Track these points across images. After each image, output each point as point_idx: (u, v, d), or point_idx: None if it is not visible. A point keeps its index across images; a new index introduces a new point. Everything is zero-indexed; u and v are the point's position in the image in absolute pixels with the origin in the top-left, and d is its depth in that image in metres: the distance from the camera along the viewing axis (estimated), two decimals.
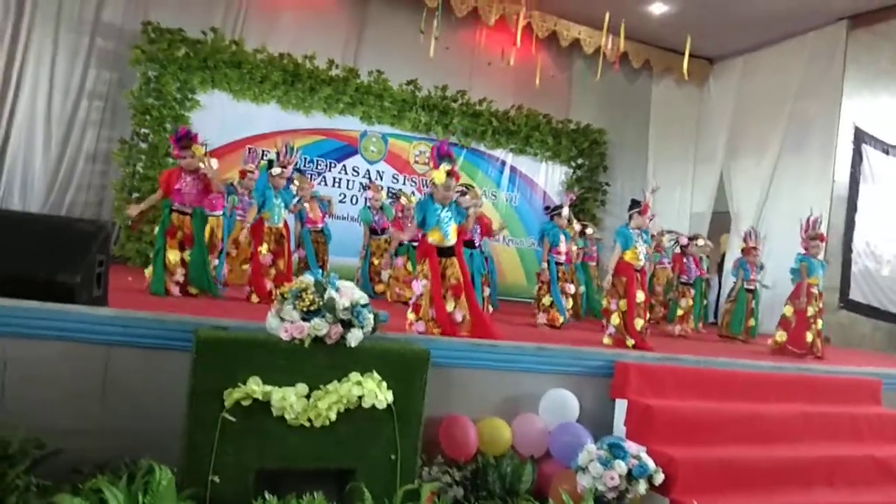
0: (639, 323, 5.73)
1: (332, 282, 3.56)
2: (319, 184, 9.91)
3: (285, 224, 6.19)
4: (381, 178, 10.62)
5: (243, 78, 9.57)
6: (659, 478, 4.00)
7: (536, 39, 10.93)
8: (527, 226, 11.56)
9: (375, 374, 3.55)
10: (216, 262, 6.57)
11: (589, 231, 9.94)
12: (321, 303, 3.44)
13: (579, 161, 11.99)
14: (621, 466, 3.91)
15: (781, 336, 6.93)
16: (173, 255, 5.56)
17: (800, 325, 6.84)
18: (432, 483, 3.75)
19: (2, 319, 3.38)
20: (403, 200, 8.15)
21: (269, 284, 5.84)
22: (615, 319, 5.79)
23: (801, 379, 5.42)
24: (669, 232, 8.89)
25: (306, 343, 3.44)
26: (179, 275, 5.60)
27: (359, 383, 3.49)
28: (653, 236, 7.86)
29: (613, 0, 8.83)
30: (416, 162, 10.88)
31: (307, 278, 3.56)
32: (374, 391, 3.50)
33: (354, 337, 3.51)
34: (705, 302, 9.19)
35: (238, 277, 6.52)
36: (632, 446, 4.08)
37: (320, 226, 7.61)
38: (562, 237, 7.15)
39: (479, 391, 4.41)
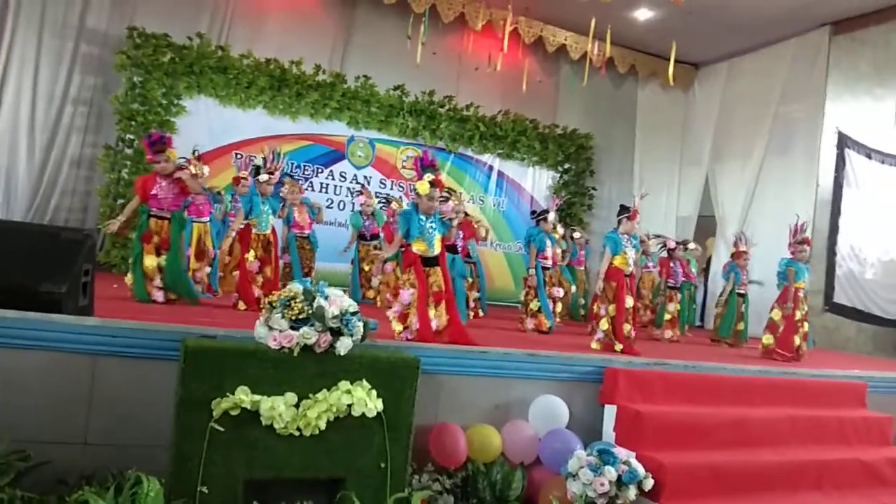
0: (626, 328, 5.76)
1: (322, 290, 3.55)
2: (307, 189, 9.86)
3: (273, 231, 6.16)
4: (369, 184, 10.59)
5: (229, 83, 9.53)
6: (648, 483, 4.02)
7: (523, 45, 10.98)
8: (514, 230, 11.58)
9: (365, 383, 3.54)
10: (208, 269, 6.52)
11: (577, 235, 9.98)
12: (310, 311, 3.43)
13: (566, 166, 12.03)
14: (611, 472, 3.92)
15: (769, 339, 6.98)
16: (150, 261, 5.49)
17: (788, 329, 6.89)
18: (422, 491, 3.74)
19: None
20: (394, 206, 8.13)
21: (256, 291, 5.80)
22: (604, 324, 5.81)
23: (787, 383, 5.45)
24: (657, 236, 8.93)
25: (295, 352, 3.42)
26: (159, 280, 5.55)
27: (348, 392, 3.48)
28: (642, 241, 7.91)
29: (599, 6, 8.86)
30: (404, 167, 10.88)
31: (296, 286, 3.54)
32: (364, 399, 3.49)
33: (344, 345, 3.50)
34: (694, 306, 9.23)
35: (229, 284, 6.47)
36: (621, 452, 4.09)
37: (307, 232, 7.56)
38: (548, 242, 7.16)
39: (468, 398, 4.40)
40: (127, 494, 3.08)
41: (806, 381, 5.61)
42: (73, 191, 9.07)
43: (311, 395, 3.44)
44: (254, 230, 5.96)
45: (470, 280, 7.86)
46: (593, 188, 12.17)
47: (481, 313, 8.01)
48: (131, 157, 8.97)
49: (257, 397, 3.33)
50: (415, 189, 5.08)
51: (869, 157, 10.48)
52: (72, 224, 8.86)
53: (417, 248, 4.95)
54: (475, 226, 7.82)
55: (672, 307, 8.10)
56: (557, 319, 7.46)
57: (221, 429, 3.27)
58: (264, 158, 6.24)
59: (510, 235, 11.54)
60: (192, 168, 6.50)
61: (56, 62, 8.95)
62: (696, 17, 10.17)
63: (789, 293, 6.97)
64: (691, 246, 8.76)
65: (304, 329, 3.41)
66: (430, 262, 4.98)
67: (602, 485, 3.88)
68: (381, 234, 8.12)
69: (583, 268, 9.86)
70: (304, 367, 3.46)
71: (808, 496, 4.54)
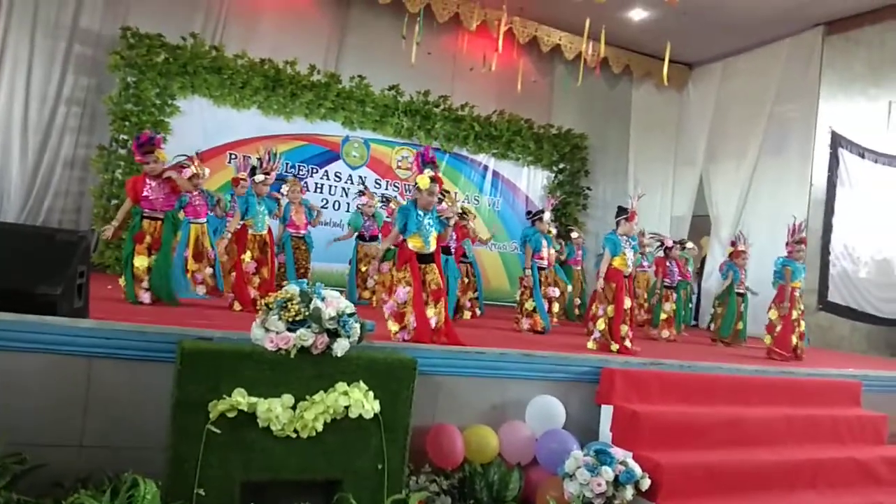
0: (624, 329, 5.78)
1: (318, 291, 3.55)
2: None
3: (269, 231, 6.14)
4: (364, 184, 10.58)
5: (224, 83, 9.50)
6: (645, 483, 4.02)
7: (518, 45, 10.99)
8: (509, 230, 11.59)
9: (362, 384, 3.54)
10: (209, 269, 6.51)
11: (574, 235, 10.02)
12: (307, 313, 3.43)
13: (561, 165, 12.04)
14: (608, 473, 3.92)
15: (768, 340, 7.02)
16: (140, 261, 5.46)
17: (785, 329, 6.92)
18: (420, 493, 3.74)
19: None
20: (393, 205, 8.12)
21: (252, 293, 5.78)
22: (601, 324, 5.82)
23: (783, 382, 5.47)
24: (653, 234, 8.93)
25: (292, 353, 3.42)
26: (147, 281, 5.52)
27: (345, 393, 3.48)
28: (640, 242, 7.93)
29: (593, 6, 8.87)
30: (399, 167, 10.86)
31: (292, 288, 3.53)
32: (361, 401, 3.49)
33: (341, 347, 3.49)
34: (690, 305, 9.25)
35: (226, 285, 6.45)
36: (618, 452, 4.09)
37: (303, 232, 7.53)
38: (544, 242, 7.17)
39: (465, 399, 4.40)
40: (123, 497, 3.07)
41: (801, 380, 5.63)
42: (67, 192, 9.03)
43: (308, 397, 3.44)
44: (250, 231, 5.95)
45: (466, 280, 7.86)
46: (588, 188, 12.18)
47: (479, 312, 8.01)
48: (125, 158, 8.92)
49: (254, 399, 3.33)
50: (415, 183, 5.06)
51: (862, 156, 10.53)
52: (65, 225, 8.82)
53: (413, 244, 4.92)
54: (466, 228, 7.82)
55: (668, 307, 8.12)
56: (554, 320, 7.48)
57: (218, 431, 3.27)
58: (260, 159, 6.22)
59: (505, 235, 11.54)
60: (193, 167, 6.50)
61: (49, 62, 8.90)
62: (690, 17, 10.18)
63: (786, 292, 7.00)
64: (689, 245, 8.78)
65: (301, 331, 3.41)
66: (425, 259, 4.96)
67: (599, 485, 3.88)
68: (380, 236, 8.10)
69: (579, 268, 9.87)
70: (300, 369, 3.46)
71: (804, 495, 4.56)
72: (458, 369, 4.40)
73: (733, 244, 8.50)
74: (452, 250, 7.19)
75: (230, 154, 9.65)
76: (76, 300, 3.74)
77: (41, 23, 8.84)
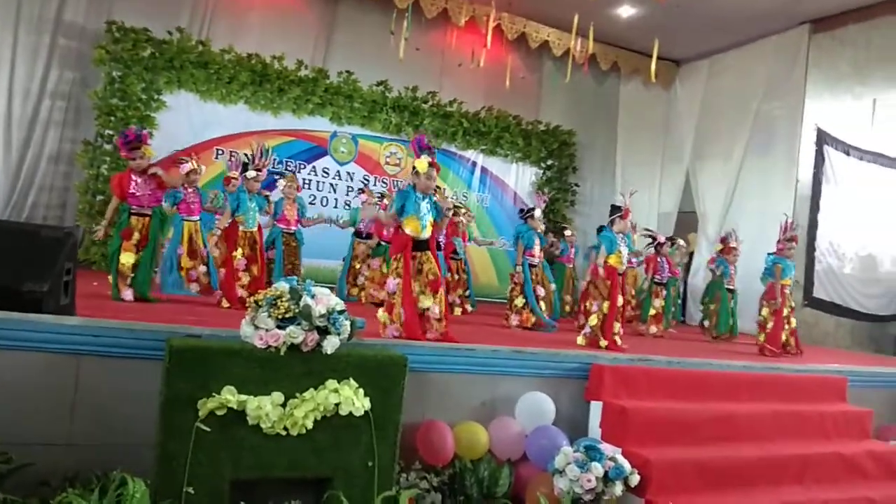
0: (616, 326, 5.82)
1: (308, 289, 3.53)
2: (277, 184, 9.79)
3: (259, 229, 6.11)
4: (352, 179, 10.56)
5: (210, 78, 9.43)
6: (634, 479, 4.04)
7: (506, 41, 11.00)
8: (498, 226, 11.60)
9: (352, 382, 3.53)
10: (203, 267, 6.47)
11: (567, 233, 10.07)
12: (297, 310, 3.41)
13: (549, 162, 12.06)
14: (598, 469, 3.93)
15: (762, 337, 7.08)
16: (126, 258, 5.41)
17: (776, 326, 6.97)
18: (410, 490, 3.74)
19: None
20: (387, 201, 8.09)
21: (240, 290, 5.75)
22: (593, 320, 5.84)
23: (770, 378, 5.51)
24: (646, 230, 8.97)
25: (282, 351, 3.40)
26: (132, 278, 5.47)
27: (336, 391, 3.47)
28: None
29: (582, 2, 8.89)
30: (387, 163, 10.83)
31: (282, 285, 3.51)
32: (352, 398, 3.47)
33: (331, 344, 3.48)
34: (678, 301, 9.30)
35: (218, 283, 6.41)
36: (608, 448, 4.11)
37: (294, 228, 7.49)
38: (536, 239, 7.18)
39: (455, 395, 4.40)
40: (112, 496, 3.05)
41: (788, 376, 5.67)
42: (52, 187, 8.94)
43: (297, 395, 3.42)
44: (241, 227, 5.92)
45: (456, 277, 7.86)
46: (576, 185, 12.21)
47: (469, 308, 8.01)
48: (110, 153, 8.85)
49: (244, 397, 3.31)
50: (413, 168, 5.02)
51: (847, 153, 10.61)
52: (50, 221, 8.74)
53: (410, 226, 4.88)
54: (457, 224, 7.81)
55: (658, 303, 8.17)
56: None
57: (207, 429, 3.24)
58: (252, 155, 6.19)
59: (494, 232, 11.54)
60: (191, 163, 6.48)
61: (33, 56, 8.80)
62: (677, 14, 10.22)
63: (776, 289, 7.06)
64: (680, 242, 8.83)
65: (291, 328, 3.39)
66: (420, 246, 4.92)
67: (589, 481, 3.89)
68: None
69: (571, 265, 9.91)
70: (290, 367, 3.44)
71: (790, 490, 4.59)
72: (449, 366, 4.39)
73: (724, 241, 8.56)
74: (442, 246, 7.17)
75: (217, 149, 9.59)
76: (63, 297, 3.70)
77: (24, 16, 8.73)
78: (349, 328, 3.56)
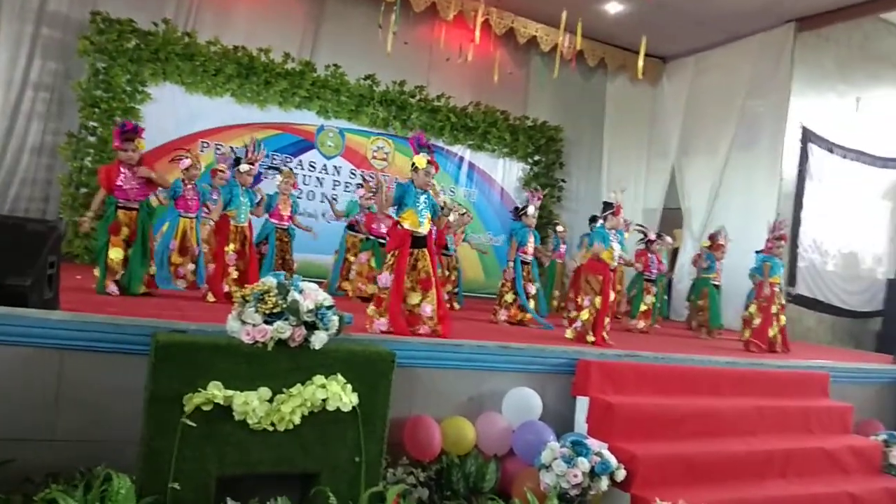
0: (606, 321, 5.86)
1: (296, 284, 3.51)
2: (274, 179, 9.73)
3: (249, 224, 6.08)
4: (339, 174, 10.51)
5: (196, 70, 9.34)
6: (621, 474, 4.07)
7: (494, 36, 10.97)
8: (485, 222, 11.60)
9: (340, 377, 3.52)
10: (191, 265, 6.42)
11: (559, 229, 10.12)
12: (284, 305, 3.40)
13: (536, 158, 12.06)
14: (584, 464, 3.96)
15: (747, 333, 7.14)
16: (115, 253, 5.33)
17: (764, 322, 7.04)
18: (397, 485, 3.74)
19: None
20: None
21: (226, 286, 5.72)
22: (585, 315, 5.86)
23: (754, 374, 5.56)
24: (639, 226, 9.01)
25: (269, 346, 3.39)
26: (120, 274, 5.42)
27: (323, 386, 3.46)
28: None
29: None
30: (374, 157, 10.79)
31: (269, 280, 3.50)
32: (339, 394, 3.47)
33: (318, 339, 3.47)
34: (665, 297, 9.36)
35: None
36: (594, 443, 4.13)
37: (286, 224, 7.47)
38: (530, 237, 7.18)
39: (443, 391, 4.41)
40: (97, 492, 3.03)
41: (772, 371, 5.72)
42: (34, 179, 8.81)
43: (285, 390, 3.41)
44: (232, 222, 5.88)
45: (447, 273, 7.85)
46: (562, 180, 12.22)
47: (457, 306, 8.01)
48: (94, 146, 8.75)
49: (230, 392, 3.29)
50: (412, 164, 5.04)
51: (831, 151, 10.71)
52: (32, 214, 8.61)
53: (408, 220, 4.90)
54: (448, 221, 7.80)
55: (649, 299, 8.23)
56: (528, 315, 7.41)
57: (193, 424, 3.23)
58: (245, 148, 6.15)
59: (481, 227, 11.53)
60: (190, 159, 6.49)
61: (15, 46, 8.66)
62: (664, 11, 10.25)
63: (764, 287, 7.13)
64: (667, 239, 8.88)
65: (279, 323, 3.38)
66: (418, 242, 4.94)
67: (575, 476, 3.92)
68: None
69: (561, 261, 9.94)
70: (277, 362, 3.43)
71: (774, 484, 4.65)
72: (436, 361, 4.40)
73: (713, 238, 8.64)
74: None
75: (202, 142, 9.51)
76: (46, 291, 3.67)
77: (7, 5, 8.59)
78: (337, 323, 3.55)
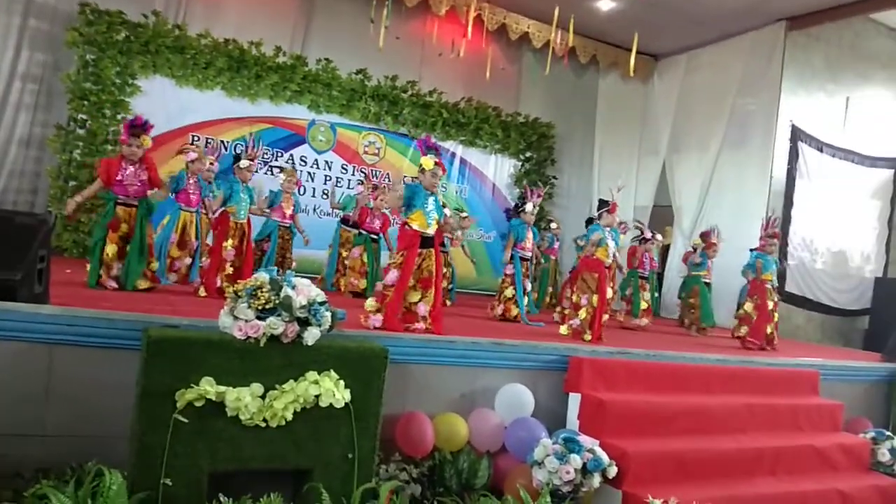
0: (604, 318, 5.88)
1: (289, 279, 3.49)
2: (266, 173, 9.70)
3: (248, 220, 6.05)
4: (330, 168, 10.47)
5: (186, 63, 9.26)
6: (612, 471, 4.08)
7: (486, 32, 10.92)
8: (477, 218, 11.57)
9: (333, 373, 3.51)
10: (188, 260, 6.37)
11: (553, 226, 10.13)
12: (277, 301, 3.37)
13: (528, 154, 12.06)
14: (576, 461, 3.96)
15: (743, 330, 7.19)
16: (112, 249, 5.32)
17: (760, 319, 7.09)
18: (390, 481, 3.73)
19: None
20: (381, 193, 8.05)
21: (218, 281, 5.69)
22: (583, 314, 5.88)
23: (745, 371, 5.59)
24: (637, 222, 9.03)
25: (262, 342, 3.37)
26: (117, 269, 5.37)
27: (316, 382, 3.45)
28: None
29: None
30: (366, 152, 10.75)
31: (262, 276, 3.48)
32: (332, 390, 3.46)
33: (311, 335, 3.45)
34: (656, 295, 9.40)
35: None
36: (586, 440, 4.14)
37: (288, 222, 7.47)
38: (528, 233, 7.17)
39: (435, 387, 4.40)
40: (88, 488, 3.01)
41: (762, 369, 5.76)
42: (22, 172, 8.70)
43: (277, 386, 3.39)
44: (232, 218, 5.84)
45: (444, 270, 7.82)
46: (554, 177, 12.22)
47: (448, 303, 8.00)
48: (83, 138, 8.66)
49: (222, 388, 3.27)
50: (420, 166, 5.07)
51: (821, 150, 10.77)
52: (20, 207, 8.50)
53: (417, 221, 4.92)
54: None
55: (646, 296, 8.27)
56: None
57: (185, 420, 3.21)
58: (245, 144, 6.13)
59: (473, 224, 11.50)
60: (196, 153, 6.47)
61: (3, 37, 8.54)
62: (656, 9, 10.27)
63: (758, 284, 7.18)
64: (658, 237, 8.91)
65: (271, 319, 3.35)
66: (426, 242, 4.96)
67: (567, 473, 3.92)
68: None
69: (555, 258, 9.96)
70: (270, 358, 3.41)
71: (765, 481, 4.67)
72: (429, 358, 4.39)
73: (707, 236, 8.67)
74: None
75: (192, 136, 9.42)
76: (36, 285, 3.63)
77: None
78: (330, 319, 3.53)
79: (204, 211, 6.60)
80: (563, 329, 5.94)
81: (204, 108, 9.53)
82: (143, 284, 5.39)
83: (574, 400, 4.73)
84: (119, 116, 8.82)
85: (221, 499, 3.22)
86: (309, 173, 10.34)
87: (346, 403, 3.50)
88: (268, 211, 7.18)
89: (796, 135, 10.46)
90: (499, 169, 11.95)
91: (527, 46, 11.72)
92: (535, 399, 4.56)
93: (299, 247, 7.92)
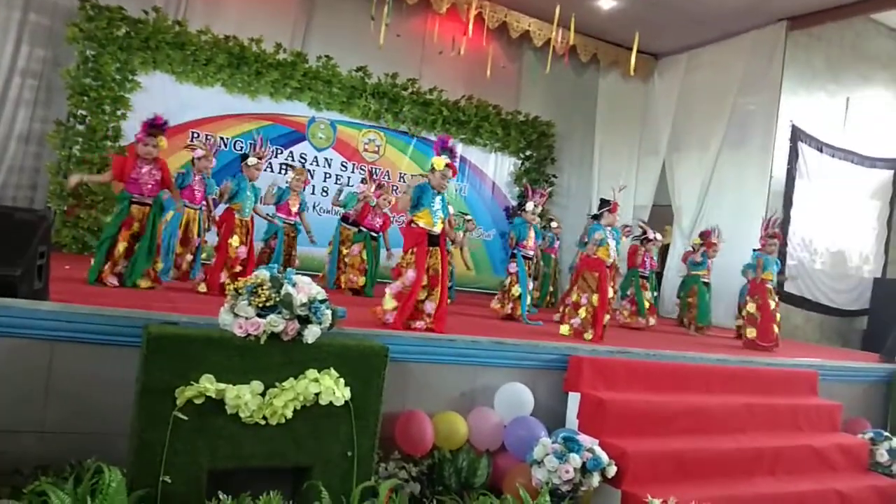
0: (606, 318, 5.87)
1: (289, 277, 3.49)
2: (266, 170, 9.66)
3: (252, 218, 6.04)
4: (330, 166, 10.46)
5: (187, 60, 9.24)
6: (612, 470, 4.08)
7: (487, 30, 10.90)
8: (476, 216, 11.49)
9: (333, 371, 3.51)
10: (189, 256, 6.37)
11: (554, 225, 10.15)
12: (277, 298, 3.37)
13: (528, 153, 12.05)
14: (576, 460, 3.96)
15: (752, 332, 7.16)
16: (122, 247, 5.30)
17: (765, 320, 7.10)
18: (389, 480, 3.73)
19: None
20: (384, 192, 8.05)
21: (223, 276, 5.69)
22: (583, 313, 5.87)
23: (744, 371, 5.60)
24: (641, 221, 9.03)
25: (262, 339, 3.37)
26: (122, 266, 5.36)
27: (316, 380, 3.45)
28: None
29: None
30: (366, 150, 10.74)
31: (262, 273, 3.47)
32: (332, 388, 3.46)
33: (312, 333, 3.45)
34: (656, 294, 9.40)
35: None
36: (585, 439, 4.14)
37: (293, 220, 7.47)
38: (530, 232, 7.16)
39: (435, 386, 4.40)
40: (87, 485, 3.00)
41: (762, 369, 5.76)
42: (22, 168, 8.69)
43: (277, 384, 3.39)
44: (237, 215, 5.84)
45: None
46: (553, 176, 12.21)
47: (449, 301, 7.98)
48: (83, 134, 8.64)
49: (222, 385, 3.27)
50: (431, 165, 5.09)
51: (820, 150, 10.77)
52: (20, 203, 8.50)
53: (423, 220, 4.95)
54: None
55: (648, 295, 8.28)
56: (518, 311, 7.41)
57: (185, 417, 3.21)
58: (252, 143, 6.12)
59: (473, 221, 11.49)
60: (204, 150, 6.46)
61: (2, 32, 8.52)
62: (657, 8, 10.26)
63: (758, 284, 7.19)
64: (657, 236, 8.92)
65: (272, 317, 3.35)
66: (432, 241, 4.99)
67: (567, 472, 3.92)
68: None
69: (555, 256, 9.95)
70: (270, 355, 3.41)
71: (764, 481, 4.68)
72: (429, 356, 4.39)
73: (707, 235, 8.68)
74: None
75: (192, 132, 9.41)
76: (36, 282, 3.62)
77: None
78: (330, 317, 3.53)
79: (207, 208, 6.60)
80: (564, 329, 5.93)
81: (204, 104, 9.51)
82: (144, 283, 5.38)
83: (574, 399, 4.72)
84: (119, 112, 8.82)
85: (221, 496, 3.22)
86: (309, 170, 10.31)
87: (345, 401, 3.50)
88: (272, 207, 7.14)
89: (796, 135, 10.46)
90: (499, 167, 11.94)
91: (527, 45, 11.70)
92: (534, 398, 4.56)
93: (300, 244, 7.91)
